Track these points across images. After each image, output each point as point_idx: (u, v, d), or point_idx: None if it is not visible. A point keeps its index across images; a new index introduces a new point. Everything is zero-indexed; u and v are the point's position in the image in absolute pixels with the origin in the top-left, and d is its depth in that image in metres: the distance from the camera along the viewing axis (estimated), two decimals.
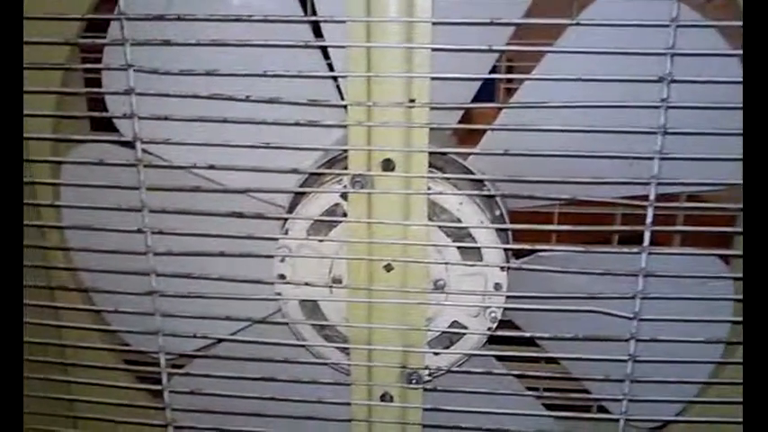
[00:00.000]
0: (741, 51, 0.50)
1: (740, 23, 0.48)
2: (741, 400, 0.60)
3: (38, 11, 0.54)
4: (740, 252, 0.60)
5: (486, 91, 0.64)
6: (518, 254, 0.62)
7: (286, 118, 0.55)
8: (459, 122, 0.59)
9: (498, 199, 0.62)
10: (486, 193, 0.58)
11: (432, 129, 0.54)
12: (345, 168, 0.56)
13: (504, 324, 0.60)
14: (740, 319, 0.58)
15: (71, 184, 0.61)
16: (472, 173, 0.61)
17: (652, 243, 0.54)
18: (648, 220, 0.53)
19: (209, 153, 0.57)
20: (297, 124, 0.54)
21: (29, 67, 0.55)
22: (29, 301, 0.62)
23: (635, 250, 0.54)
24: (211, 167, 0.57)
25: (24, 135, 0.57)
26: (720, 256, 0.60)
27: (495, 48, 0.51)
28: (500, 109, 0.59)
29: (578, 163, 0.53)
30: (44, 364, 0.65)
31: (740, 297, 0.58)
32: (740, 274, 0.59)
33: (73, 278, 0.68)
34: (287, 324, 0.62)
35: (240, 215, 0.57)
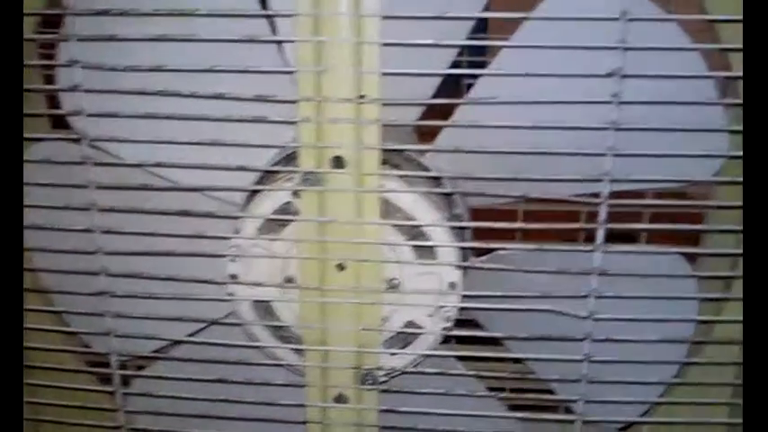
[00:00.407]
0: (697, 46, 0.50)
1: (696, 17, 0.48)
2: (705, 400, 0.59)
3: None
4: (705, 250, 0.60)
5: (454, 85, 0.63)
6: (478, 252, 0.61)
7: (245, 115, 0.54)
8: (421, 119, 0.58)
9: (458, 197, 0.61)
10: (436, 190, 0.57)
11: (387, 126, 0.53)
12: (295, 166, 0.55)
13: (464, 323, 0.59)
14: (703, 318, 0.58)
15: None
16: (429, 170, 0.60)
17: (619, 240, 0.54)
18: (601, 217, 0.52)
19: (161, 150, 0.56)
20: (242, 120, 0.53)
21: None
22: None
23: (588, 248, 0.53)
24: (159, 165, 0.55)
25: None
26: (685, 255, 0.59)
27: (442, 43, 0.50)
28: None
29: (534, 160, 0.53)
30: None
31: (704, 296, 0.58)
32: (704, 273, 0.59)
33: (31, 277, 0.66)
34: (240, 325, 0.61)
35: (188, 214, 0.56)
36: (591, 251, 0.53)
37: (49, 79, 0.60)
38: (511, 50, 0.54)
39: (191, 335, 0.62)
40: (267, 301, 0.60)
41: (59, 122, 0.65)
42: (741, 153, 0.47)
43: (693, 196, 0.62)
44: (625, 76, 0.49)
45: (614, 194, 0.52)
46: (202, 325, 0.62)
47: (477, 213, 0.65)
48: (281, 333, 0.61)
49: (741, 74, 0.47)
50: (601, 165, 0.51)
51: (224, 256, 0.58)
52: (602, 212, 0.52)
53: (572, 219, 0.78)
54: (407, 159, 0.60)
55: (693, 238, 0.64)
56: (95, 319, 0.61)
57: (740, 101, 0.49)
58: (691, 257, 0.60)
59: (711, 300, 0.59)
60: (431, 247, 0.57)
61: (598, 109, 0.50)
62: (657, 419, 0.63)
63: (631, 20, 0.48)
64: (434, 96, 0.56)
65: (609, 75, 0.49)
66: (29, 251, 0.62)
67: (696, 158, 0.52)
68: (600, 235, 0.53)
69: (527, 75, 0.50)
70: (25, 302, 0.63)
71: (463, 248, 0.58)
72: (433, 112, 0.59)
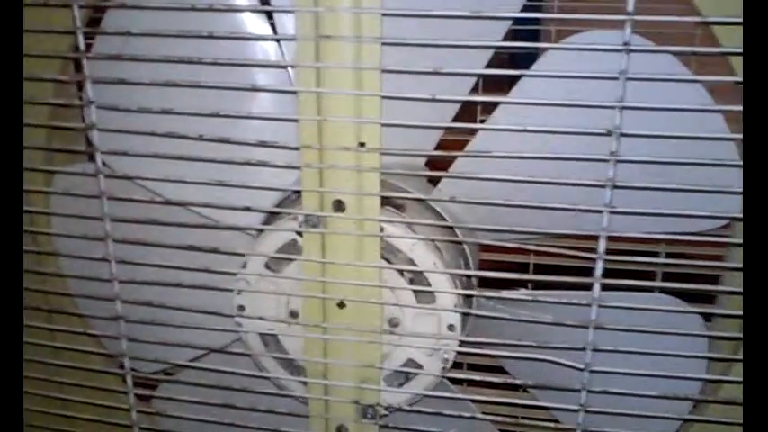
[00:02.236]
0: (690, 107, 0.49)
1: (699, 78, 0.47)
2: None
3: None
4: (715, 310, 0.59)
5: None
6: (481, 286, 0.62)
7: (250, 158, 0.55)
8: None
9: (461, 235, 0.62)
10: (436, 238, 0.57)
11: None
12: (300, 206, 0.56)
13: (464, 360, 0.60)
14: (709, 377, 0.57)
15: (40, 212, 0.63)
16: (434, 209, 0.60)
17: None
18: (597, 272, 0.52)
19: (173, 186, 0.58)
20: (247, 163, 0.55)
21: None
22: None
23: (584, 301, 0.53)
24: (168, 203, 0.58)
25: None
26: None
27: (440, 98, 0.50)
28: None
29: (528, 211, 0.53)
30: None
31: (711, 356, 0.57)
32: (714, 333, 0.58)
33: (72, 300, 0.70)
34: (247, 355, 0.63)
35: (197, 249, 0.58)
36: (587, 305, 0.53)
37: None
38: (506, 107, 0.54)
39: (197, 359, 0.65)
40: (273, 334, 0.62)
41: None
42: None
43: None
44: (623, 135, 0.48)
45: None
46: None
47: (485, 248, 0.65)
48: (287, 363, 0.63)
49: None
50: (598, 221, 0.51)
51: (230, 290, 0.60)
52: (598, 268, 0.51)
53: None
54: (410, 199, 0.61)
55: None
56: (113, 341, 0.64)
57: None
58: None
59: (719, 360, 0.58)
60: (430, 290, 0.57)
61: (596, 164, 0.50)
62: None
63: (630, 79, 0.47)
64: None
65: (608, 133, 0.48)
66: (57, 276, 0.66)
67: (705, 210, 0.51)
68: (596, 289, 0.52)
69: (524, 131, 0.50)
70: (56, 322, 0.67)
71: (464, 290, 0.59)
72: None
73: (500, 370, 0.66)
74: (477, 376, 0.58)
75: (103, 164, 0.58)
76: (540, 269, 0.83)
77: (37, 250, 0.64)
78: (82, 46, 0.54)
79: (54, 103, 0.60)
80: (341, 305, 0.58)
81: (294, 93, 0.53)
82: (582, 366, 0.54)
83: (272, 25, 0.56)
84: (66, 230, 0.62)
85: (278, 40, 0.55)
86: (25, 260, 0.62)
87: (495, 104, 0.55)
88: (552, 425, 0.58)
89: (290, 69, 0.56)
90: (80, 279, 0.65)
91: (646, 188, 0.49)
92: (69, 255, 0.61)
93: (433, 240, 0.57)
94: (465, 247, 0.62)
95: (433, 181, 0.63)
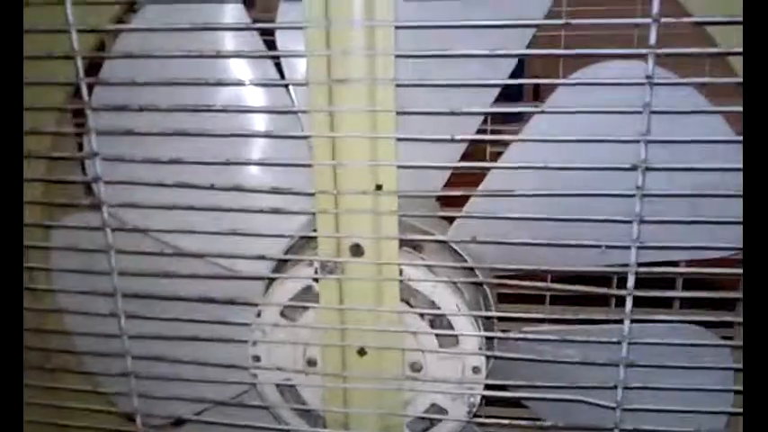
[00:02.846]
0: (723, 138, 0.48)
1: (734, 109, 0.46)
2: None
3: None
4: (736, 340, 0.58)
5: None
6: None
7: (254, 204, 0.54)
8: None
9: (479, 272, 0.60)
10: (457, 279, 0.56)
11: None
12: (315, 251, 0.55)
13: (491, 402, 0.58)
14: (738, 410, 0.55)
15: (42, 268, 0.61)
16: (452, 249, 0.59)
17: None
18: (627, 309, 0.50)
19: (182, 237, 0.56)
20: (261, 211, 0.53)
21: None
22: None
23: (614, 340, 0.51)
24: (178, 254, 0.56)
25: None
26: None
27: (458, 137, 0.49)
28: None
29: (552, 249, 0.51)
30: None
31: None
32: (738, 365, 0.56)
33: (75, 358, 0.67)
34: (265, 408, 0.61)
35: (212, 300, 0.57)
36: (617, 342, 0.51)
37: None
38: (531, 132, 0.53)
39: (204, 411, 0.62)
40: (291, 384, 0.60)
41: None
42: None
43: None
44: (649, 169, 0.47)
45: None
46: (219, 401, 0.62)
47: (503, 278, 0.64)
48: (306, 414, 0.61)
49: None
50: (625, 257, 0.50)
51: (246, 341, 0.58)
52: (628, 305, 0.50)
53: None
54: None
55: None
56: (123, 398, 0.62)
57: None
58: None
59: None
60: (453, 334, 0.56)
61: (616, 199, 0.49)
62: None
63: (654, 112, 0.46)
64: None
65: (633, 168, 0.47)
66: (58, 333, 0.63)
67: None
68: (626, 326, 0.51)
69: (545, 168, 0.49)
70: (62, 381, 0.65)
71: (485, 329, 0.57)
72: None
73: (517, 404, 0.65)
74: (504, 416, 0.56)
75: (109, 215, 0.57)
76: (556, 298, 0.81)
77: (39, 308, 0.62)
78: (86, 96, 0.52)
79: (56, 156, 0.58)
80: (361, 352, 0.56)
81: (306, 138, 0.51)
82: (614, 405, 0.53)
83: (279, 68, 0.55)
84: (66, 286, 0.60)
85: (287, 86, 0.54)
86: (26, 318, 0.60)
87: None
88: None
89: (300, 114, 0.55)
90: (85, 336, 0.63)
91: (674, 222, 0.48)
92: (76, 311, 0.59)
93: (455, 282, 0.56)
94: (486, 288, 0.60)
95: (447, 218, 0.62)
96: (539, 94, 1.07)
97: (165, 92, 0.53)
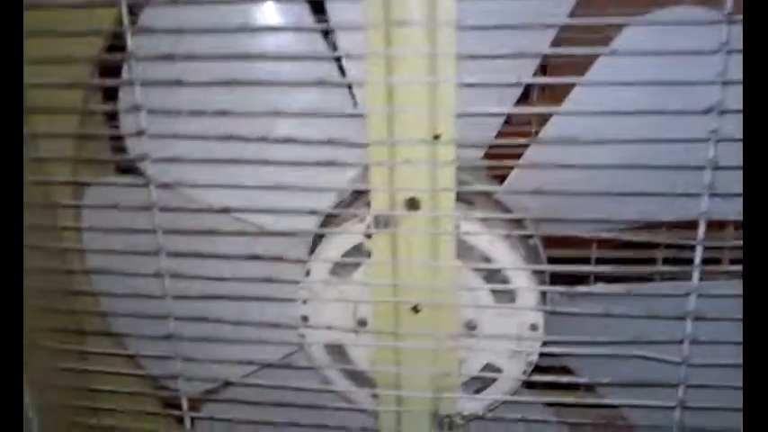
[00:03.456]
0: None
1: None
2: None
3: (50, 51, 0.52)
4: None
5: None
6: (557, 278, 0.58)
7: (302, 157, 0.52)
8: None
9: (531, 227, 0.58)
10: (517, 232, 0.54)
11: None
12: (367, 206, 0.53)
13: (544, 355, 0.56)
14: None
15: (85, 228, 0.59)
16: (503, 205, 0.57)
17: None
18: (697, 260, 0.49)
19: (226, 194, 0.54)
20: (317, 164, 0.51)
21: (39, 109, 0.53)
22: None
23: (682, 292, 0.50)
24: (226, 210, 0.54)
25: (44, 178, 0.57)
26: None
27: (523, 80, 0.47)
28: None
29: (618, 198, 0.49)
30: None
31: None
32: None
33: (101, 320, 0.65)
34: (312, 369, 0.59)
35: (258, 258, 0.55)
36: (686, 295, 0.49)
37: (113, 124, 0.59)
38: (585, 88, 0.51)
39: (249, 374, 0.61)
40: (340, 344, 0.58)
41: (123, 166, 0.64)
42: None
43: None
44: (724, 112, 0.45)
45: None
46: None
47: (549, 241, 0.62)
48: (355, 375, 0.59)
49: None
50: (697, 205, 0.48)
51: (294, 300, 0.56)
52: (698, 255, 0.48)
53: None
54: (479, 193, 0.57)
55: None
56: (165, 361, 0.60)
57: None
58: None
59: None
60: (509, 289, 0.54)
61: (691, 145, 0.47)
62: None
63: (732, 51, 0.44)
64: None
65: (707, 111, 0.45)
66: (97, 295, 0.62)
67: None
68: (695, 278, 0.49)
69: (615, 113, 0.47)
70: (95, 345, 0.63)
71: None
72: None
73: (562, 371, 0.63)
74: (562, 378, 0.55)
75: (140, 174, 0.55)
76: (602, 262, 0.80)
77: (70, 269, 0.61)
78: (130, 45, 0.50)
79: (96, 109, 0.56)
80: (415, 310, 0.54)
81: (361, 85, 0.49)
82: (679, 360, 0.51)
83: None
84: (99, 247, 0.59)
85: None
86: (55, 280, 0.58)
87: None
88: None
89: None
90: (120, 297, 0.61)
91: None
92: (121, 272, 0.57)
93: (507, 236, 0.54)
94: (537, 241, 0.58)
95: (497, 176, 0.60)
96: None
97: (209, 41, 0.50)
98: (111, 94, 0.56)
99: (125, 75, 0.52)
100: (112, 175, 0.62)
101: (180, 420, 0.63)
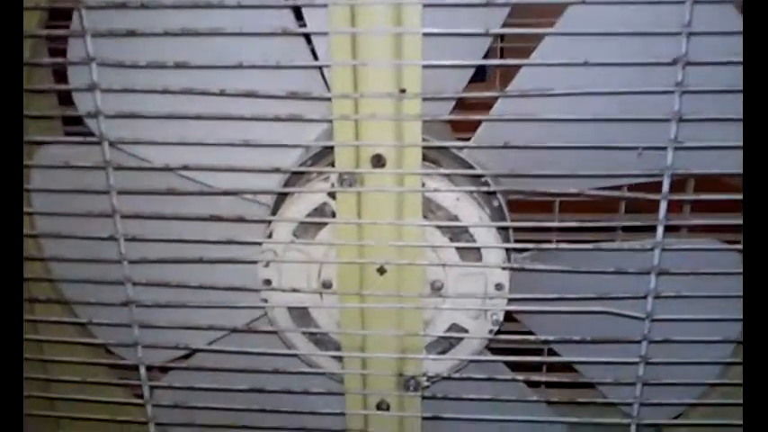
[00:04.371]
0: None
1: None
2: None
3: None
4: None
5: (479, 70, 0.59)
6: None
7: (264, 113, 0.50)
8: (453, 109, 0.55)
9: (496, 185, 0.58)
10: (485, 189, 0.53)
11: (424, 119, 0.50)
12: (332, 165, 0.52)
13: (507, 321, 0.56)
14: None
15: (37, 189, 0.57)
16: (469, 164, 0.56)
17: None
18: (661, 215, 0.49)
19: (183, 152, 0.52)
20: (278, 119, 0.49)
21: None
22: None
23: (648, 246, 0.50)
24: (185, 168, 0.52)
25: None
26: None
27: (492, 31, 0.46)
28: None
29: (583, 153, 0.49)
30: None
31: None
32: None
33: (51, 286, 0.63)
34: (274, 333, 0.58)
35: (219, 218, 0.53)
36: (651, 249, 0.50)
37: (59, 77, 0.56)
38: (553, 41, 0.50)
39: (217, 341, 0.59)
40: (303, 307, 0.57)
41: (71, 122, 0.62)
42: None
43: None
44: (689, 64, 0.45)
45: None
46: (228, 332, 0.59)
47: (513, 204, 0.62)
48: (319, 338, 0.58)
49: None
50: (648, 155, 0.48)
51: (256, 262, 0.55)
52: (662, 209, 0.49)
53: (608, 207, 0.75)
54: (445, 153, 0.57)
55: None
56: (122, 329, 0.58)
57: None
58: None
59: None
60: (476, 248, 0.54)
61: (655, 99, 0.47)
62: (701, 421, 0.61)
63: (697, 2, 0.44)
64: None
65: (672, 62, 0.45)
66: (48, 260, 0.59)
67: None
68: (660, 232, 0.49)
69: (582, 64, 0.46)
70: (48, 314, 0.61)
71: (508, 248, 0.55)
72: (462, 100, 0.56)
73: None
74: (526, 336, 0.54)
75: (90, 134, 0.52)
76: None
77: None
78: None
79: (43, 62, 0.53)
80: (381, 270, 0.53)
81: (325, 35, 0.48)
82: (643, 316, 0.52)
83: None
84: (49, 210, 0.56)
85: None
86: None
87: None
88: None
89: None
90: (73, 263, 0.58)
91: (716, 120, 0.46)
92: (75, 236, 0.54)
93: (472, 192, 0.53)
94: (501, 202, 0.58)
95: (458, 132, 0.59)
96: None
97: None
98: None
99: (75, 25, 0.50)
100: (62, 134, 0.59)
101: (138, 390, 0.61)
